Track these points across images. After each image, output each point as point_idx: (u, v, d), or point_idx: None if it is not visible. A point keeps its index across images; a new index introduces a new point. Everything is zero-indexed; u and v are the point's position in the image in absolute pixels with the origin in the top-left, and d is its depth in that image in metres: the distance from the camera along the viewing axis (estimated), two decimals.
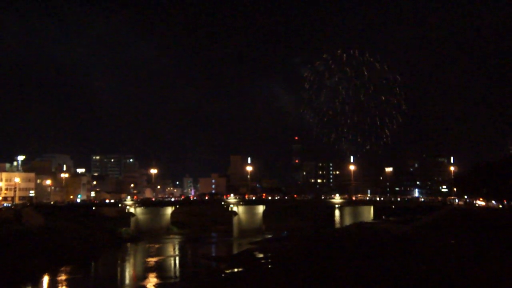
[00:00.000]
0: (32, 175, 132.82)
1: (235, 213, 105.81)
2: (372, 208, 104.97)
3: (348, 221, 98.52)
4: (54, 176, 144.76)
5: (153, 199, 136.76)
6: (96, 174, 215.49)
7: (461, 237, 61.75)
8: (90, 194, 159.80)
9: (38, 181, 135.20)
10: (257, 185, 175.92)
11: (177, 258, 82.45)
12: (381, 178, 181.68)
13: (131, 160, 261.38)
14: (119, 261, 77.48)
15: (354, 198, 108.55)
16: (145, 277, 62.24)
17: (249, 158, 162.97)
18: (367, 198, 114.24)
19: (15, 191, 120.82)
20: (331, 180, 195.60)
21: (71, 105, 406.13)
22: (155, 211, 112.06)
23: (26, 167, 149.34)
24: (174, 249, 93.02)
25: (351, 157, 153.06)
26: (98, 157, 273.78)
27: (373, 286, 46.16)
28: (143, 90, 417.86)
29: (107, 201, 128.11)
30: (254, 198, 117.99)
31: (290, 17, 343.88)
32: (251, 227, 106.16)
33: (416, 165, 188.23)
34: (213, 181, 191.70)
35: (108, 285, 60.74)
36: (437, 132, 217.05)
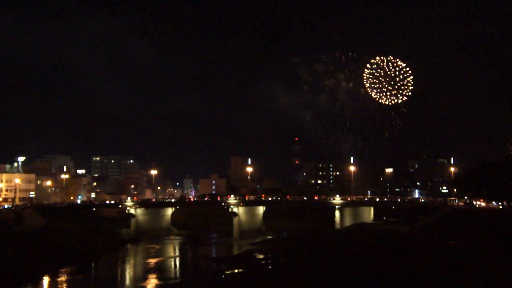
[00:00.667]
0: (32, 176, 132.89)
1: (235, 214, 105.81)
2: (372, 209, 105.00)
3: (348, 222, 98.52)
4: (55, 177, 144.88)
5: (153, 200, 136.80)
6: (96, 175, 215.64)
7: (462, 238, 61.79)
8: (91, 195, 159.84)
9: (39, 182, 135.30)
10: (258, 186, 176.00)
11: (177, 259, 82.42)
12: (381, 179, 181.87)
13: (131, 161, 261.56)
14: (119, 262, 77.47)
15: (354, 198, 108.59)
16: (145, 278, 62.20)
17: (249, 159, 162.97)
18: (367, 199, 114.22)
19: (15, 192, 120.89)
20: (331, 181, 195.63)
21: (71, 106, 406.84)
22: (155, 212, 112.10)
23: (26, 168, 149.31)
24: (174, 250, 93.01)
25: (351, 158, 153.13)
26: (98, 158, 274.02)
27: (374, 287, 46.19)
28: (143, 91, 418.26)
29: (107, 202, 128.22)
30: (254, 199, 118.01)
31: (290, 17, 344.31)
32: (251, 228, 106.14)
33: (416, 166, 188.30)
34: (213, 182, 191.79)
35: (108, 286, 60.79)
36: (437, 132, 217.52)
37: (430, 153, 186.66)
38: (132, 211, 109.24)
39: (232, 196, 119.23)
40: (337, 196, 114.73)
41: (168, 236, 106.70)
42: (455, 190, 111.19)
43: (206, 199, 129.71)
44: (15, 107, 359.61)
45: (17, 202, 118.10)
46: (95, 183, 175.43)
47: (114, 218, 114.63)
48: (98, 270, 73.63)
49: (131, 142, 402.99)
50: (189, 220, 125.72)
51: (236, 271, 62.94)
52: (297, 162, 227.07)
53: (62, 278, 61.57)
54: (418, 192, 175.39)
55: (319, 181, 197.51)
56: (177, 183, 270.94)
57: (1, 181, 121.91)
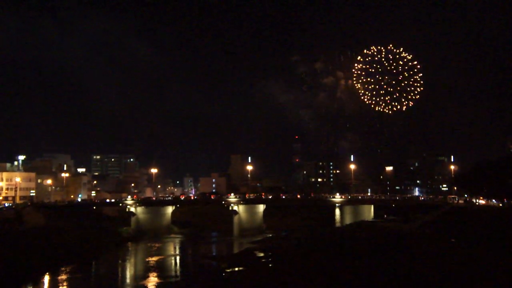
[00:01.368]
0: (32, 174, 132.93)
1: (235, 212, 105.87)
2: (372, 207, 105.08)
3: (348, 220, 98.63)
4: (55, 175, 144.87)
5: (154, 198, 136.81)
6: (96, 173, 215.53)
7: (462, 235, 61.84)
8: (91, 193, 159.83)
9: (39, 180, 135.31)
10: (258, 184, 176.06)
11: (177, 258, 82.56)
12: (381, 177, 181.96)
13: (131, 159, 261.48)
14: (119, 261, 77.58)
15: (354, 197, 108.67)
16: (145, 276, 62.29)
17: (249, 158, 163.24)
18: (367, 197, 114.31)
19: (16, 190, 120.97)
20: (332, 179, 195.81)
21: (71, 104, 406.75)
22: (155, 210, 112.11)
23: (26, 166, 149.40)
24: (174, 248, 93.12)
25: (351, 156, 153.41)
26: (98, 157, 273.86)
27: (373, 285, 46.24)
28: (144, 90, 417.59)
29: (107, 200, 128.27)
30: (254, 197, 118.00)
31: (290, 17, 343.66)
32: (251, 226, 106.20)
33: (417, 164, 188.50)
34: (214, 180, 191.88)
35: (109, 285, 60.82)
36: (438, 131, 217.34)
37: (431, 151, 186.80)
38: (132, 209, 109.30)
39: (232, 194, 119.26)
40: (337, 194, 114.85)
41: (169, 235, 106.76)
42: (455, 188, 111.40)
43: (206, 197, 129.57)
44: (16, 106, 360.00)
45: (17, 200, 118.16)
46: (95, 182, 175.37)
47: (115, 216, 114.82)
48: (98, 268, 73.67)
49: (131, 140, 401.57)
50: (190, 218, 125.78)
51: (236, 269, 63.01)
52: (297, 160, 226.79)
53: (63, 276, 61.68)
54: (418, 190, 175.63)
55: (319, 180, 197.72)
56: (177, 182, 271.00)
57: (2, 180, 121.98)
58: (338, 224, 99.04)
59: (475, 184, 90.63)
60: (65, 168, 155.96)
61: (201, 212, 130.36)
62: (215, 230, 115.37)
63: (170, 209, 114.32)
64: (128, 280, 64.19)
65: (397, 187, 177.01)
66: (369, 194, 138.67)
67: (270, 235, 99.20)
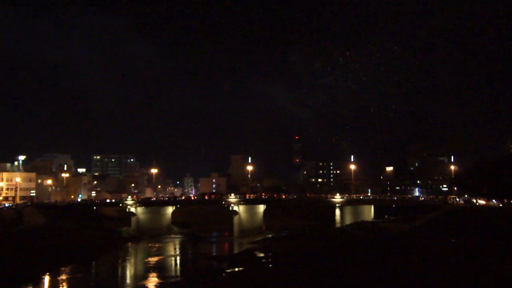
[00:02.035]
0: (33, 175, 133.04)
1: (235, 213, 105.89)
2: (372, 207, 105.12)
3: (348, 220, 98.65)
4: (55, 175, 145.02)
5: (154, 198, 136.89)
6: (96, 173, 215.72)
7: (462, 236, 61.77)
8: (91, 193, 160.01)
9: (39, 181, 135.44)
10: (258, 184, 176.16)
11: (177, 258, 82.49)
12: (381, 177, 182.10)
13: (131, 160, 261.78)
14: (119, 261, 77.51)
15: (354, 197, 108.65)
16: (146, 277, 62.24)
17: (249, 158, 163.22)
18: (368, 197, 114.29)
19: (16, 191, 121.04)
20: (332, 180, 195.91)
21: (71, 105, 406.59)
22: (155, 210, 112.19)
23: (27, 167, 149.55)
24: (174, 248, 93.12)
25: (352, 156, 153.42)
26: (98, 157, 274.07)
27: (374, 285, 46.22)
28: (143, 90, 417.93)
29: (107, 200, 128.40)
30: (254, 197, 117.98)
31: (290, 16, 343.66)
32: (251, 226, 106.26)
33: (417, 164, 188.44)
34: (214, 180, 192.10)
35: (109, 285, 60.74)
36: (438, 131, 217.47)
37: (431, 152, 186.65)
38: (132, 209, 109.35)
39: (232, 194, 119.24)
40: (338, 194, 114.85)
41: (169, 235, 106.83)
42: (455, 188, 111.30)
43: (206, 197, 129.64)
44: (16, 107, 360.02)
45: (17, 201, 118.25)
46: (95, 182, 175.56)
47: (115, 216, 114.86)
48: (98, 268, 73.64)
49: (132, 140, 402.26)
50: (190, 218, 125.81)
51: (236, 269, 62.98)
52: (297, 160, 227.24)
53: (63, 276, 61.59)
54: (418, 191, 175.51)
55: (319, 180, 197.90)
56: (178, 182, 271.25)
57: (2, 180, 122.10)
58: (338, 225, 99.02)
59: (475, 184, 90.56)
60: (65, 168, 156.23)
61: (201, 212, 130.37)
62: (215, 230, 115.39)
63: (170, 209, 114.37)
64: (128, 280, 64.13)
65: (397, 187, 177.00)
66: (369, 194, 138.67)
67: (270, 235, 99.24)
